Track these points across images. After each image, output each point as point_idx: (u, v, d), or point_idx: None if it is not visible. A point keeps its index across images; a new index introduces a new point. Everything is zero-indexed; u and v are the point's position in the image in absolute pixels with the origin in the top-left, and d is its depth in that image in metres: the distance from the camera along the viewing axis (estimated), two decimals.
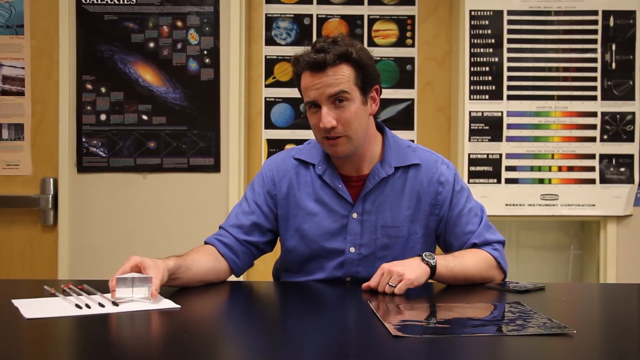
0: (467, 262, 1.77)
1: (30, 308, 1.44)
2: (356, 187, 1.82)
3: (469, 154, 2.95)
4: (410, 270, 1.64)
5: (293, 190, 1.85)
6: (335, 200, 1.82)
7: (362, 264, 1.82)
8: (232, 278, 1.86)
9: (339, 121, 1.72)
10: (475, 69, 2.94)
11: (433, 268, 1.69)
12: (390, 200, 1.82)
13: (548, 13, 2.96)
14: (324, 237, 1.82)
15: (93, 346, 1.23)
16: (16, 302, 1.48)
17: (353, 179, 1.83)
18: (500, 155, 2.96)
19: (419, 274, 1.66)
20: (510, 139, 2.96)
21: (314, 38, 3.06)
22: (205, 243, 1.85)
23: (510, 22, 2.95)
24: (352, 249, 1.81)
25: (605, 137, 2.96)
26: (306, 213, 1.83)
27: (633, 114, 2.96)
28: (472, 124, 2.95)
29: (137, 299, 1.49)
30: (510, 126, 2.96)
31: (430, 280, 1.72)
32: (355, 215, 1.81)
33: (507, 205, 2.96)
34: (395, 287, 1.62)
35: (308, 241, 1.83)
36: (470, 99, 2.95)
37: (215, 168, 2.97)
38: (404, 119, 3.12)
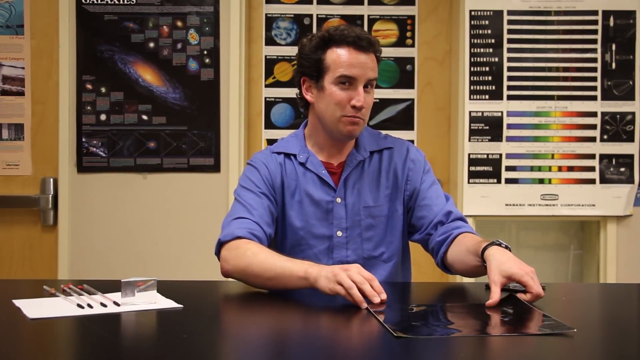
0: None
1: (33, 308, 1.44)
2: (336, 173, 1.88)
3: (469, 154, 2.96)
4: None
5: (282, 179, 1.88)
6: (319, 187, 1.86)
7: (350, 246, 1.86)
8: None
9: (365, 104, 1.80)
10: (475, 69, 2.95)
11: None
12: (369, 182, 1.88)
13: (548, 13, 2.96)
14: (310, 223, 1.85)
15: (96, 346, 1.24)
16: (18, 302, 1.49)
17: (332, 166, 1.89)
18: (500, 155, 2.96)
19: None
20: (510, 139, 2.96)
21: None
22: (238, 237, 1.72)
23: (510, 22, 2.95)
24: (339, 233, 1.85)
25: (605, 137, 2.97)
26: (291, 202, 1.87)
27: (633, 114, 2.96)
28: (472, 124, 2.95)
29: (141, 302, 1.49)
30: (510, 126, 2.96)
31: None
32: (339, 200, 1.86)
33: (507, 205, 2.96)
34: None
35: (294, 228, 1.85)
36: (470, 99, 2.95)
37: (215, 168, 2.97)
38: (404, 119, 3.12)
